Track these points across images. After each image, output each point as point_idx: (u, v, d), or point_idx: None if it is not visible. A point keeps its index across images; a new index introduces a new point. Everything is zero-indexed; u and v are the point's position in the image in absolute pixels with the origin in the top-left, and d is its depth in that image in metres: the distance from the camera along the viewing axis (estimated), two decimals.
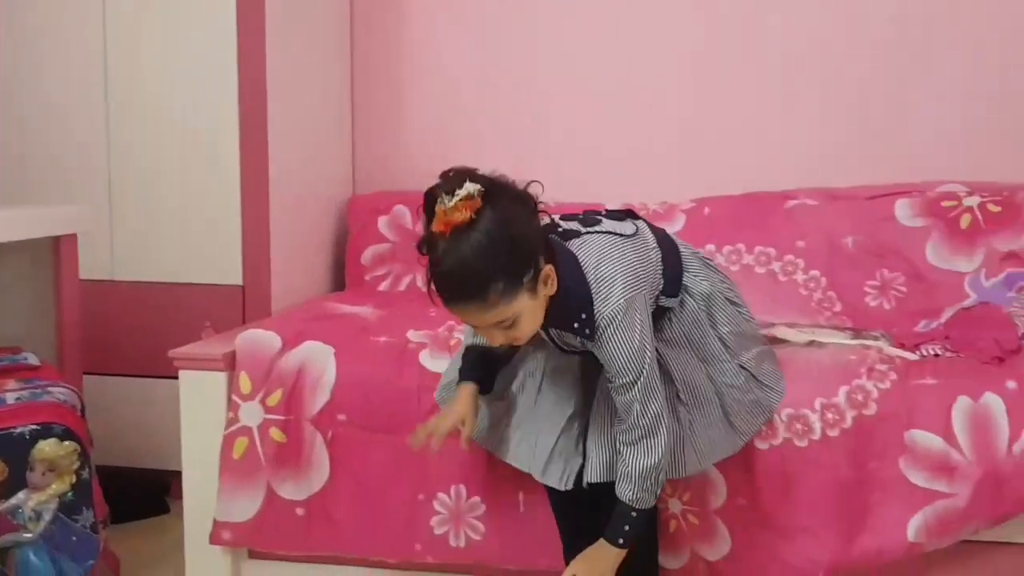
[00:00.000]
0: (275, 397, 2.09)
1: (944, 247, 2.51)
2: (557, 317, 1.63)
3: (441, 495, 2.04)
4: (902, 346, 2.11)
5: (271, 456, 2.08)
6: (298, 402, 2.08)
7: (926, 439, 1.86)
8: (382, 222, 2.90)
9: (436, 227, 1.50)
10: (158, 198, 2.55)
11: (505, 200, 1.52)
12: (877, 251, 2.56)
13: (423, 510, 2.04)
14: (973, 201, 2.54)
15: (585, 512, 1.82)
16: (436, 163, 2.93)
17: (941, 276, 2.48)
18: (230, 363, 2.12)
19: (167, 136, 2.53)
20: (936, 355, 2.02)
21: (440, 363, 2.06)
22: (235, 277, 2.53)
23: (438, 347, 2.10)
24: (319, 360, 2.10)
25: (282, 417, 2.08)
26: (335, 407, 2.07)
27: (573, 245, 1.67)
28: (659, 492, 1.71)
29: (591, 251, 1.66)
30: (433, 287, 1.54)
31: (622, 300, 1.61)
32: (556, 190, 2.90)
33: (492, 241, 1.48)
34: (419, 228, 1.61)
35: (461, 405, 1.80)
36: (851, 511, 1.88)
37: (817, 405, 1.91)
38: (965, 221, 2.52)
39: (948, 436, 1.85)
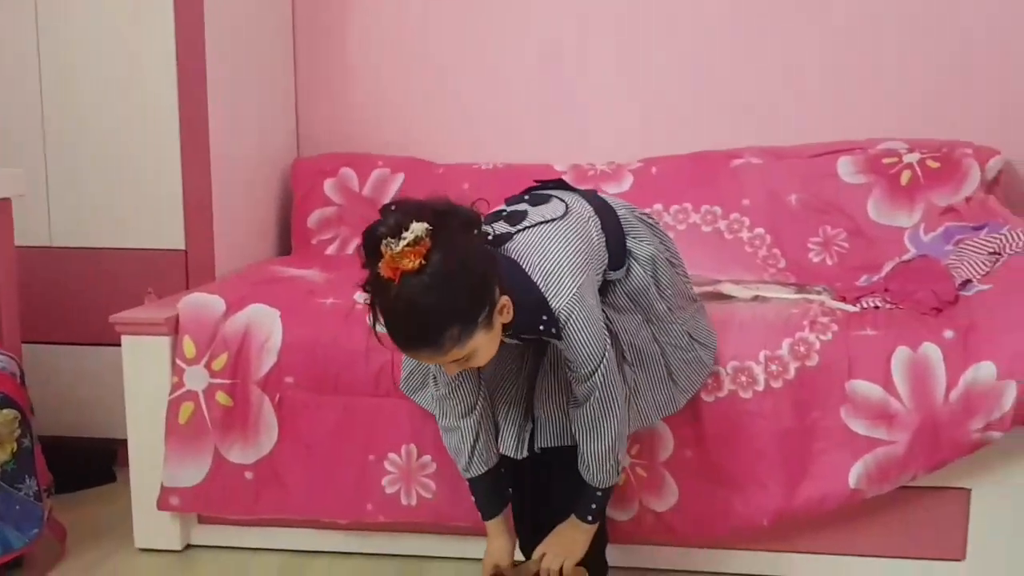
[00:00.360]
0: (220, 361, 2.06)
1: (885, 203, 2.56)
2: (521, 327, 1.58)
3: (392, 455, 2.03)
4: (843, 299, 2.14)
5: (218, 420, 2.06)
6: (244, 366, 2.06)
7: (866, 388, 1.90)
8: (328, 185, 2.86)
9: (384, 271, 1.42)
10: (96, 162, 2.49)
11: (454, 234, 1.45)
12: (820, 208, 2.60)
13: (374, 470, 2.04)
14: (913, 158, 2.58)
15: (537, 480, 1.85)
16: (381, 126, 2.99)
17: (882, 231, 2.53)
18: (173, 327, 2.09)
19: (104, 99, 2.46)
20: (876, 307, 2.06)
21: None
22: (177, 241, 2.48)
23: None
24: (265, 323, 2.08)
25: (228, 381, 2.06)
26: (282, 370, 2.05)
27: (508, 250, 1.60)
28: (621, 470, 1.72)
29: (529, 251, 1.59)
30: (382, 330, 1.48)
31: (575, 289, 1.56)
32: (503, 152, 2.89)
33: (444, 286, 1.42)
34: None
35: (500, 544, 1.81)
36: (794, 460, 1.92)
37: (761, 357, 1.94)
38: (905, 177, 2.56)
39: (888, 385, 1.89)
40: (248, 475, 2.06)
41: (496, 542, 1.81)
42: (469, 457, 1.78)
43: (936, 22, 2.73)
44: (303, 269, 2.46)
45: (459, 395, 1.75)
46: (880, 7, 2.76)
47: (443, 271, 1.42)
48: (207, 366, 2.06)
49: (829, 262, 2.54)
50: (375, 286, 1.46)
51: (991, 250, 2.08)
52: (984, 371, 1.84)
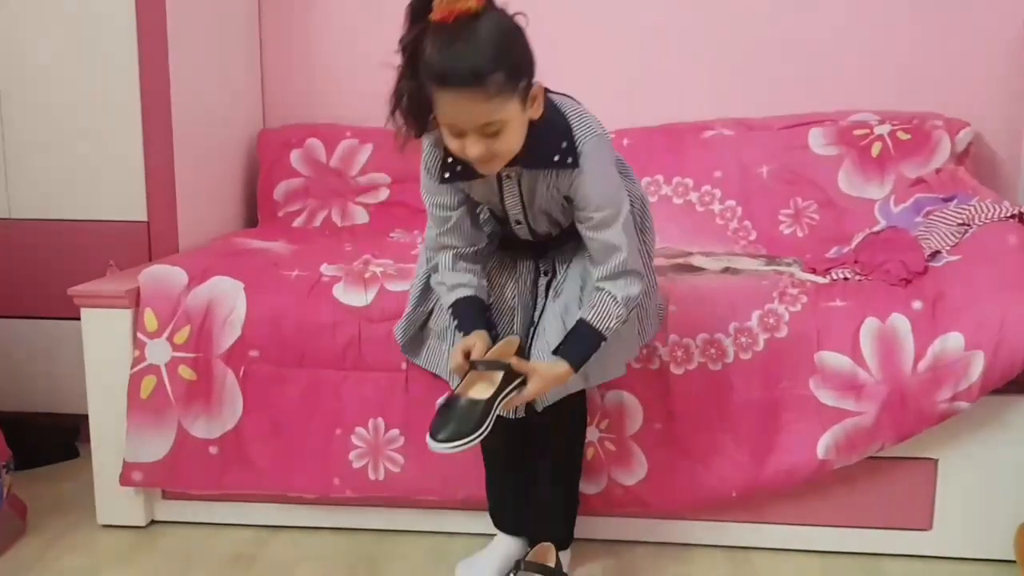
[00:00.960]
0: (183, 334, 2.02)
1: (856, 174, 2.55)
2: (536, 153, 1.60)
3: (359, 429, 2.01)
4: (813, 271, 2.13)
5: (181, 395, 2.02)
6: (207, 339, 2.02)
7: (835, 359, 1.89)
8: (295, 156, 2.81)
9: (438, 15, 1.46)
10: (55, 132, 2.41)
11: (506, 12, 1.52)
12: (791, 179, 2.59)
13: (340, 444, 2.01)
14: (884, 129, 2.57)
15: (514, 445, 1.84)
16: (348, 95, 2.93)
17: (852, 203, 2.52)
18: (134, 300, 2.05)
19: (62, 67, 2.39)
20: (846, 279, 2.05)
21: (355, 297, 2.02)
22: (139, 213, 2.42)
23: (352, 281, 2.06)
24: (228, 295, 2.04)
25: (191, 354, 2.02)
26: (246, 343, 2.02)
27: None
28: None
29: (563, 100, 1.66)
30: (425, 75, 1.48)
31: (601, 131, 1.63)
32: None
33: (498, 34, 1.48)
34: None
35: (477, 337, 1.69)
36: (763, 431, 1.92)
37: (731, 329, 1.93)
38: (876, 149, 2.56)
39: (856, 356, 1.89)
40: (213, 450, 2.03)
41: (472, 337, 1.69)
42: (448, 287, 1.74)
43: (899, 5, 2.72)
44: (269, 241, 2.42)
45: (449, 227, 1.73)
46: None
47: (497, 23, 1.49)
48: (169, 339, 2.02)
49: (800, 234, 2.53)
50: (431, 32, 1.47)
51: (960, 221, 2.08)
52: (952, 342, 1.84)
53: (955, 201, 2.22)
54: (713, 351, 1.93)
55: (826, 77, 2.77)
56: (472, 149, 1.52)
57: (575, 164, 1.60)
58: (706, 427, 1.94)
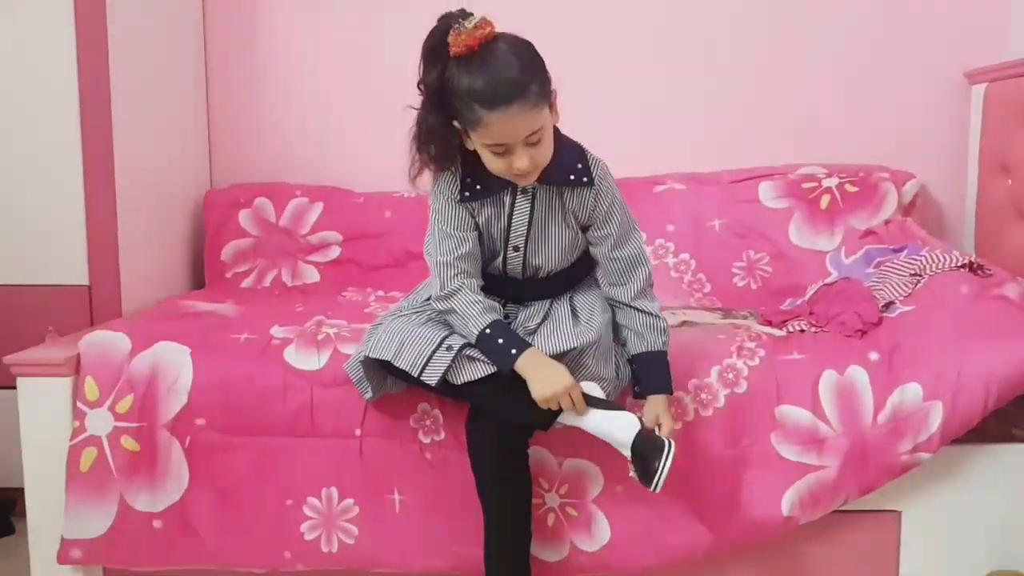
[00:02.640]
0: (125, 403, 1.94)
1: (806, 227, 2.57)
2: (556, 170, 1.70)
3: (311, 499, 1.93)
4: (769, 323, 2.13)
5: (123, 466, 1.93)
6: (151, 407, 1.94)
7: (795, 414, 1.88)
8: (243, 216, 2.76)
9: (461, 47, 1.56)
10: None
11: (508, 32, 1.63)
12: (743, 232, 2.60)
13: (292, 516, 1.93)
14: (832, 182, 2.61)
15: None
16: (297, 155, 2.90)
17: (804, 255, 2.54)
18: (74, 368, 1.96)
19: (0, 128, 2.33)
20: (802, 331, 2.05)
21: (307, 360, 1.96)
22: (80, 277, 2.35)
23: (304, 343, 2.00)
24: (173, 361, 1.96)
25: (134, 424, 1.94)
26: (192, 411, 1.94)
27: None
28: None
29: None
30: (465, 105, 1.58)
31: (606, 166, 1.77)
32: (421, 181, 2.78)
33: (520, 49, 1.60)
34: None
35: (564, 375, 1.69)
36: (727, 489, 1.89)
37: (690, 386, 1.91)
38: (825, 201, 2.58)
39: (816, 410, 1.87)
40: (156, 523, 1.94)
41: (555, 368, 1.68)
42: (482, 307, 1.74)
43: (848, 52, 2.78)
44: (216, 303, 2.36)
45: (462, 253, 1.77)
46: (794, 41, 2.79)
47: (514, 40, 1.61)
48: (111, 409, 1.94)
49: (753, 286, 2.54)
50: (456, 64, 1.58)
51: (912, 271, 2.10)
52: (910, 392, 1.84)
53: (905, 252, 2.24)
54: (674, 409, 1.89)
55: (773, 132, 2.81)
56: (520, 161, 1.61)
57: (591, 183, 1.72)
58: (669, 487, 1.88)
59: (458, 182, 1.75)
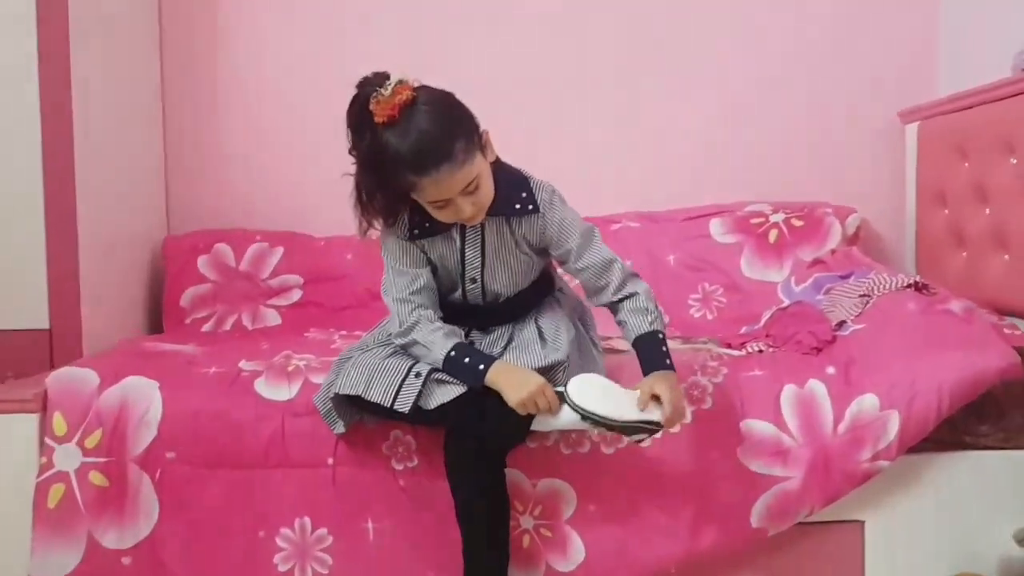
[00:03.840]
0: (94, 438, 1.92)
1: (756, 260, 2.68)
2: (500, 202, 1.74)
3: (284, 530, 1.92)
4: (729, 346, 2.20)
5: (91, 502, 1.90)
6: (120, 442, 1.92)
7: (760, 427, 1.93)
8: (202, 262, 2.77)
9: (383, 116, 1.60)
10: None
11: (430, 87, 1.67)
12: (697, 266, 2.70)
13: (264, 548, 1.92)
14: (779, 217, 2.72)
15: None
16: (255, 201, 2.92)
17: (755, 286, 2.64)
18: (41, 404, 1.94)
19: None
20: (760, 351, 2.13)
21: (278, 391, 1.96)
22: (40, 321, 2.32)
23: (274, 375, 2.01)
24: (142, 395, 1.95)
25: (103, 459, 1.91)
26: (162, 444, 1.93)
27: None
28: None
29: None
30: (396, 172, 1.63)
31: (552, 186, 1.81)
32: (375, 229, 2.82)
33: (440, 109, 1.64)
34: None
35: (534, 376, 1.72)
36: (697, 503, 1.92)
37: None
38: (773, 236, 2.70)
39: (779, 423, 1.93)
40: (125, 560, 1.90)
41: (525, 372, 1.72)
42: (443, 333, 1.76)
43: (786, 96, 2.93)
44: (179, 344, 2.35)
45: (416, 288, 1.80)
46: (738, 90, 2.94)
47: (433, 98, 1.64)
48: (79, 444, 1.91)
49: (709, 316, 2.62)
50: (381, 134, 1.62)
51: (861, 292, 2.19)
52: (868, 403, 1.91)
53: (853, 277, 2.34)
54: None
55: (720, 173, 2.93)
56: (464, 210, 1.67)
57: (536, 209, 1.77)
58: (641, 504, 1.93)
59: (407, 221, 1.78)
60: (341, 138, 2.84)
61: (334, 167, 2.84)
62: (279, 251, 2.79)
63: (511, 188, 1.76)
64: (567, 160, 2.91)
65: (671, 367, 1.78)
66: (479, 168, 1.66)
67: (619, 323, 1.86)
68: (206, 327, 2.69)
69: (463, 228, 1.79)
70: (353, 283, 2.76)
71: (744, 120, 2.93)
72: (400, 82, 1.62)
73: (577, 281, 1.90)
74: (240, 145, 2.96)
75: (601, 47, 2.93)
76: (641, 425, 1.72)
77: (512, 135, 2.84)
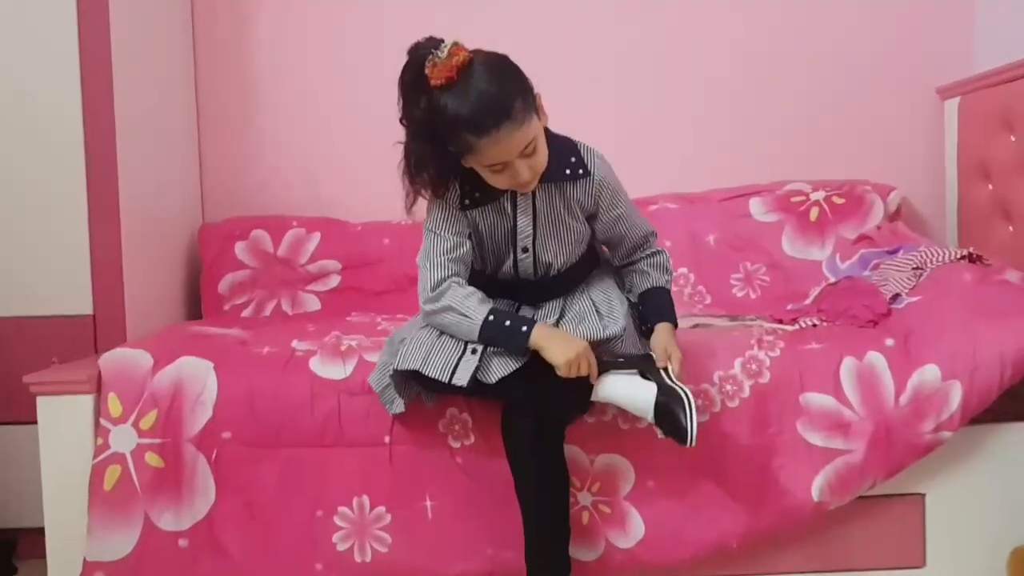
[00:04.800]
0: (149, 419, 1.91)
1: (798, 238, 2.66)
2: (551, 168, 1.72)
3: (342, 508, 1.91)
4: (780, 322, 2.18)
5: (147, 484, 1.89)
6: (176, 422, 1.91)
7: (819, 400, 1.92)
8: (239, 248, 2.75)
9: (440, 78, 1.58)
10: None
11: (479, 49, 1.64)
12: (738, 245, 2.68)
13: (323, 527, 1.91)
14: (819, 195, 2.70)
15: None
16: (291, 191, 2.90)
17: (798, 264, 2.62)
18: (96, 385, 1.93)
19: (6, 160, 2.29)
20: (814, 325, 2.11)
21: (333, 370, 1.95)
22: (84, 307, 2.31)
23: (328, 354, 1.99)
24: (197, 376, 1.94)
25: (159, 440, 1.90)
26: (218, 424, 1.91)
27: None
28: None
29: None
30: (456, 134, 1.60)
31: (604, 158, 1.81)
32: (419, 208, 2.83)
33: (496, 69, 1.61)
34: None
35: (577, 339, 1.72)
36: (757, 478, 1.91)
37: (715, 378, 1.94)
38: (814, 214, 2.68)
39: (839, 395, 1.92)
40: (183, 542, 1.89)
41: (568, 335, 1.72)
42: (478, 299, 1.73)
43: (822, 74, 2.91)
44: (224, 328, 2.33)
45: (456, 256, 1.78)
46: (775, 69, 2.91)
47: (489, 60, 1.62)
48: (135, 425, 1.90)
49: (752, 296, 2.60)
50: (438, 95, 1.59)
51: (913, 266, 2.18)
52: (929, 374, 1.89)
53: (901, 252, 2.32)
54: (700, 401, 1.92)
55: (756, 152, 2.91)
56: (522, 174, 1.65)
57: (587, 173, 1.77)
58: (700, 480, 1.92)
59: (458, 190, 1.76)
60: (373, 123, 2.88)
61: (365, 152, 2.90)
62: (316, 236, 2.77)
63: (561, 153, 1.75)
64: (602, 141, 2.88)
65: (676, 323, 1.87)
66: (536, 130, 1.65)
67: (635, 271, 1.91)
68: (245, 313, 2.68)
69: (514, 196, 1.77)
70: (391, 267, 2.75)
71: (781, 100, 2.91)
72: (455, 44, 1.60)
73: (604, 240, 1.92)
74: (272, 134, 2.94)
75: (637, 26, 2.91)
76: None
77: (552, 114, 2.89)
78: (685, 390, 1.70)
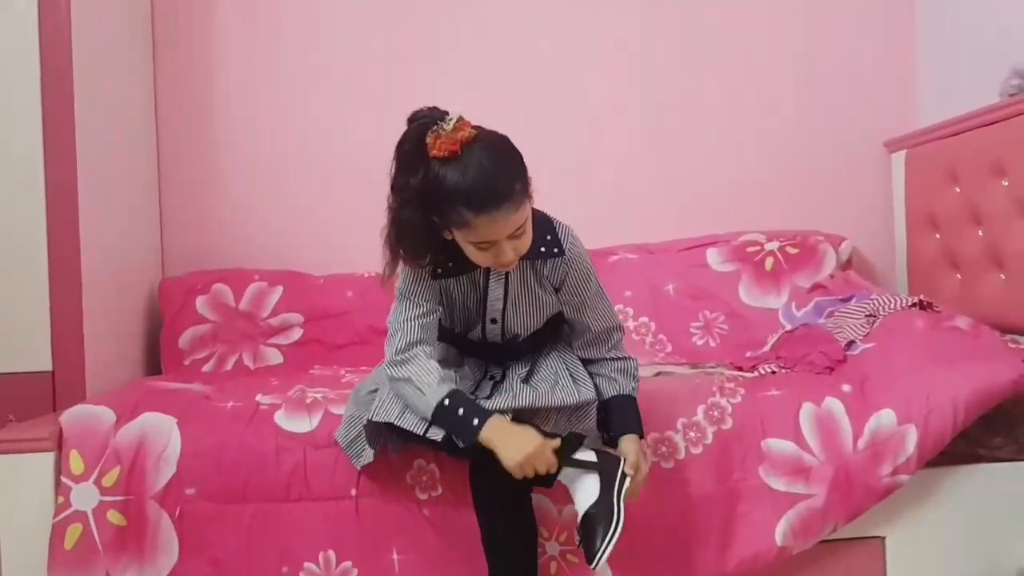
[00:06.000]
0: (112, 476, 1.88)
1: (754, 287, 2.72)
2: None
3: (308, 564, 1.89)
4: (739, 369, 2.23)
5: (110, 542, 1.86)
6: (139, 479, 1.89)
7: (780, 445, 1.96)
8: (200, 302, 2.75)
9: (442, 151, 1.56)
10: None
11: (482, 128, 1.63)
12: (696, 295, 2.73)
13: None
14: (774, 245, 2.77)
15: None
16: (252, 245, 2.91)
17: (755, 312, 2.68)
18: (57, 442, 1.90)
19: None
20: (773, 372, 2.15)
21: (298, 423, 1.95)
22: (43, 363, 2.28)
23: (293, 407, 1.99)
24: (161, 431, 1.92)
25: (121, 497, 1.88)
26: (182, 481, 1.89)
27: None
28: None
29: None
30: (451, 208, 1.57)
31: (578, 238, 1.78)
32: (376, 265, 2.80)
33: (499, 149, 1.61)
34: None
35: (532, 437, 1.65)
36: (722, 524, 1.94)
37: (679, 425, 1.97)
38: (769, 263, 2.74)
39: (799, 440, 1.96)
40: None
41: (522, 432, 1.65)
42: (440, 378, 1.69)
43: (774, 128, 3.01)
44: (185, 383, 2.31)
45: (424, 324, 1.75)
46: (730, 125, 3.01)
47: (492, 138, 1.61)
48: (97, 482, 1.87)
49: (712, 343, 2.65)
50: (438, 167, 1.57)
51: (866, 313, 2.24)
52: (885, 418, 1.94)
53: (854, 299, 2.39)
54: (664, 448, 1.95)
55: (712, 205, 2.98)
56: (507, 254, 1.62)
57: (561, 252, 1.74)
58: (666, 527, 1.94)
59: (432, 259, 1.73)
60: (336, 176, 2.93)
61: (328, 205, 2.93)
62: (279, 290, 2.78)
63: (538, 230, 1.71)
64: (563, 193, 2.93)
65: (642, 434, 1.81)
66: (527, 213, 1.63)
67: (601, 376, 1.85)
68: (206, 367, 2.66)
69: (487, 270, 1.76)
70: (354, 320, 2.75)
71: (733, 153, 3.00)
72: (461, 119, 1.59)
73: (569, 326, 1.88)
74: (234, 188, 2.95)
75: (596, 82, 2.99)
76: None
77: None
78: (620, 515, 1.67)
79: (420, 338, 1.74)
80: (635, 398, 1.84)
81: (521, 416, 1.71)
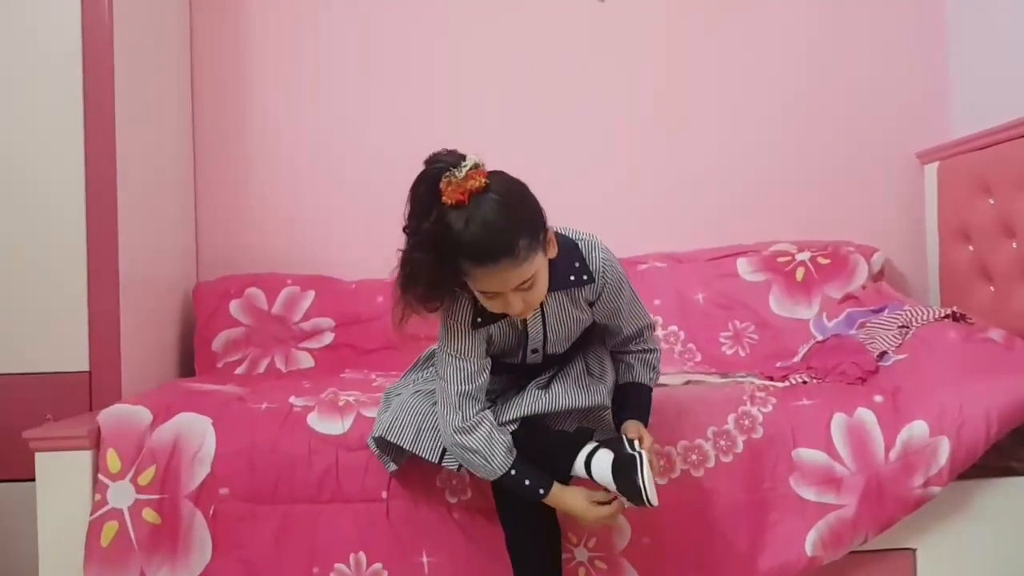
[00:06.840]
0: (147, 475, 1.91)
1: (785, 297, 2.71)
2: (557, 277, 1.68)
3: (339, 565, 1.91)
4: (770, 378, 2.22)
5: (145, 540, 1.89)
6: (174, 478, 1.92)
7: (811, 455, 1.95)
8: (234, 306, 2.78)
9: (451, 198, 1.53)
10: None
11: (505, 174, 1.61)
12: (726, 304, 2.73)
13: None
14: (804, 256, 2.77)
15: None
16: (284, 250, 2.94)
17: (786, 323, 2.67)
18: (95, 440, 1.93)
19: (6, 221, 2.32)
20: (804, 382, 2.15)
21: (331, 425, 1.97)
22: (80, 363, 2.32)
23: (326, 409, 2.01)
24: (196, 432, 1.95)
25: (156, 496, 1.91)
26: (216, 481, 1.92)
27: None
28: None
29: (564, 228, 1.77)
30: (454, 255, 1.55)
31: (607, 249, 1.75)
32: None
33: (510, 202, 1.56)
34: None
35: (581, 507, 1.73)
36: (751, 533, 1.93)
37: (709, 434, 1.97)
38: (800, 274, 2.74)
39: (830, 451, 1.95)
40: None
41: (577, 504, 1.73)
42: (506, 448, 1.71)
43: (807, 139, 3.00)
44: (220, 385, 2.34)
45: (480, 383, 1.74)
46: (761, 133, 3.01)
47: (505, 189, 1.57)
48: (133, 481, 1.91)
49: (742, 353, 2.64)
50: (446, 216, 1.54)
51: (899, 324, 2.23)
52: (917, 429, 1.93)
53: (886, 311, 2.38)
54: (695, 457, 1.95)
55: (742, 214, 2.98)
56: (515, 306, 1.60)
57: (591, 279, 1.72)
58: (695, 534, 1.94)
59: (470, 307, 1.70)
60: (367, 183, 2.96)
61: (360, 211, 2.95)
62: (311, 294, 2.81)
63: (565, 260, 1.70)
64: (591, 202, 2.96)
65: (646, 422, 1.83)
66: (537, 266, 1.59)
67: (622, 362, 1.88)
68: (239, 370, 2.69)
69: None
70: (384, 325, 2.75)
71: (765, 162, 3.00)
72: (475, 166, 1.55)
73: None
74: (268, 192, 2.99)
75: (625, 90, 3.00)
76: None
77: (535, 179, 2.95)
78: (635, 451, 1.69)
79: (480, 400, 1.74)
80: (650, 388, 1.87)
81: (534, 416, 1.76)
